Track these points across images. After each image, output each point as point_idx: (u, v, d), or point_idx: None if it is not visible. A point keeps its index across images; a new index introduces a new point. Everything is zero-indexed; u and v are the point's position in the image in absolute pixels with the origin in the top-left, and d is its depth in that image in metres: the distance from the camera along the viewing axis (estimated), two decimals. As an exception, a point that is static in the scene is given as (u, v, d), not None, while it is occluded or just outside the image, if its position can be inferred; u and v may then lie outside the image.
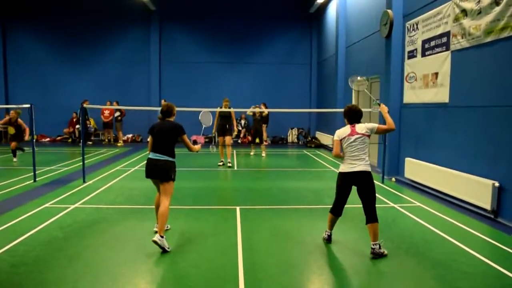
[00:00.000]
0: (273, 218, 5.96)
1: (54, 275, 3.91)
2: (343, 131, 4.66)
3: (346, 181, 4.59)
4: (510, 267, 4.13)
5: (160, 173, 4.74)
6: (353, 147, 4.53)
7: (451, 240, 5.00)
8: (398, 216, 6.18)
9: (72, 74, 18.02)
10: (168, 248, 4.56)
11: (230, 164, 10.71)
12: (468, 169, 6.65)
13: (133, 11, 17.67)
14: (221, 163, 11.00)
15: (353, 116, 4.67)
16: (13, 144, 11.57)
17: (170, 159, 4.78)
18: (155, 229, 5.01)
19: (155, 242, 4.48)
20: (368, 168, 4.53)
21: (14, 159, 11.48)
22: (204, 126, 6.28)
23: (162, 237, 4.53)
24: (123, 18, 17.92)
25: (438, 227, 5.50)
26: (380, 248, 4.43)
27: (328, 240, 4.92)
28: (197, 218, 5.93)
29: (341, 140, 4.63)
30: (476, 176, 6.36)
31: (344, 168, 4.59)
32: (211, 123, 6.41)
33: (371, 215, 4.47)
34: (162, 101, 17.00)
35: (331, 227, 4.90)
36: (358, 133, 4.54)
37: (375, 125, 4.67)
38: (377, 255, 4.41)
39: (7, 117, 12.32)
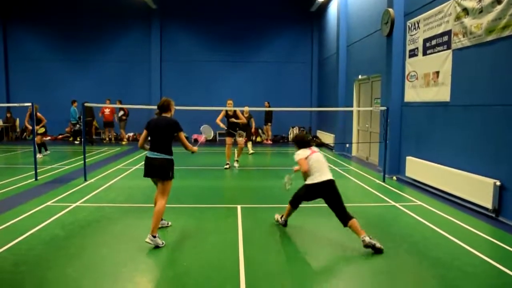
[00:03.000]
0: (274, 217, 5.96)
1: (56, 274, 3.92)
2: (304, 152, 5.07)
3: (317, 190, 4.91)
4: (511, 266, 4.13)
5: (157, 172, 4.70)
6: (320, 162, 4.98)
7: (452, 239, 5.00)
8: (399, 215, 6.18)
9: (73, 73, 18.04)
10: (162, 244, 4.61)
11: (237, 165, 10.59)
12: (469, 167, 6.64)
13: (134, 10, 17.67)
14: (227, 166, 10.42)
15: (302, 142, 5.21)
16: (38, 138, 11.49)
17: (167, 157, 4.71)
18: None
19: (147, 242, 4.54)
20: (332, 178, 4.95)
21: (39, 155, 11.61)
22: (205, 136, 6.24)
23: (154, 236, 4.55)
24: (124, 17, 17.92)
25: (439, 226, 5.50)
26: (370, 238, 4.54)
27: (285, 225, 5.44)
28: (198, 217, 5.94)
29: (306, 158, 4.99)
30: (477, 175, 6.36)
31: (316, 179, 4.88)
32: (211, 136, 6.36)
33: (345, 216, 4.72)
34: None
35: (289, 216, 5.41)
36: (316, 151, 5.09)
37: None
38: (370, 245, 4.49)
39: (28, 111, 12.17)
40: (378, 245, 4.50)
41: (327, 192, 4.86)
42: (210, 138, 6.38)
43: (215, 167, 10.68)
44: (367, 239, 4.51)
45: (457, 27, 7.03)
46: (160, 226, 5.13)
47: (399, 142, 9.38)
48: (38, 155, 11.62)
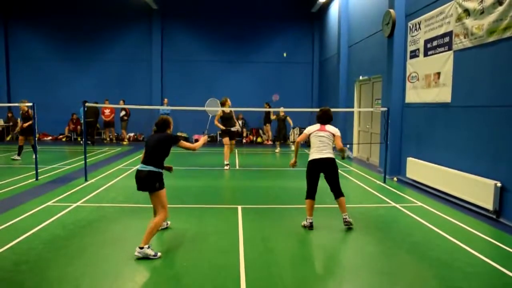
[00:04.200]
0: (275, 217, 5.97)
1: (56, 273, 3.92)
2: (313, 127, 5.55)
3: (315, 166, 5.38)
4: (511, 267, 4.13)
5: (143, 184, 4.56)
6: (322, 140, 5.38)
7: (452, 240, 5.00)
8: (399, 216, 6.18)
9: (74, 73, 18.05)
10: (155, 256, 4.32)
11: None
12: (470, 169, 6.64)
13: (135, 10, 17.68)
14: (227, 167, 10.41)
15: (318, 116, 5.62)
16: (20, 138, 11.18)
17: (154, 169, 4.53)
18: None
19: (137, 257, 4.28)
20: (332, 156, 5.41)
21: (17, 157, 11.18)
22: (210, 115, 6.26)
23: (141, 248, 4.29)
24: (125, 17, 17.93)
25: (440, 227, 5.50)
26: (349, 217, 5.37)
27: (311, 227, 5.37)
28: (198, 217, 5.94)
29: (309, 134, 5.50)
30: (478, 176, 6.35)
31: (314, 156, 5.39)
32: (219, 111, 6.41)
33: (338, 192, 5.43)
34: (164, 100, 17.03)
35: (311, 213, 5.43)
36: (326, 130, 5.44)
37: (338, 133, 5.49)
38: (348, 223, 5.34)
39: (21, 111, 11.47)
40: (350, 220, 5.36)
41: (324, 168, 5.37)
42: (216, 113, 6.45)
43: (215, 167, 10.68)
44: (347, 217, 5.36)
45: (458, 28, 7.03)
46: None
47: (400, 143, 9.38)
48: (16, 157, 11.19)
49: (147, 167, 4.53)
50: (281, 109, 13.20)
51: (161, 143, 4.63)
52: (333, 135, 5.43)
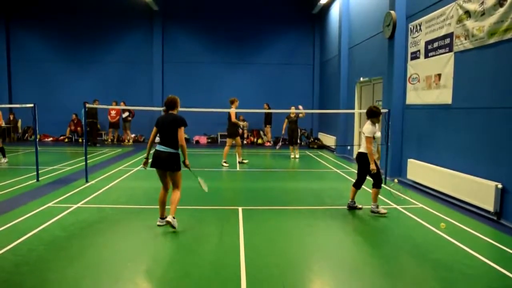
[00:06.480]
0: (275, 219, 5.96)
1: (56, 275, 3.92)
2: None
3: (356, 160, 6.30)
4: (512, 269, 4.12)
5: (164, 164, 5.09)
6: (362, 137, 6.19)
7: (453, 242, 4.99)
8: (400, 217, 6.17)
9: (75, 74, 18.09)
10: (175, 228, 5.13)
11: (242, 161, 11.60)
12: (470, 170, 6.63)
13: (136, 11, 17.73)
14: (242, 161, 11.64)
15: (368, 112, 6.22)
16: None
17: (173, 151, 5.06)
18: (158, 223, 5.39)
19: (168, 222, 5.06)
20: (363, 150, 6.11)
21: (4, 160, 10.78)
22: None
23: (174, 218, 5.11)
24: (125, 18, 17.97)
25: (440, 229, 5.48)
26: (377, 207, 6.15)
27: (348, 207, 6.33)
28: (199, 218, 5.93)
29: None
30: (479, 177, 6.34)
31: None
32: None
33: (374, 183, 6.19)
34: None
35: (352, 196, 6.36)
36: (363, 128, 6.12)
37: (366, 134, 6.02)
38: (374, 213, 6.14)
39: None
40: (374, 210, 6.15)
41: (357, 161, 6.27)
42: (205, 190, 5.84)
43: (216, 168, 10.68)
44: (374, 207, 6.15)
45: (459, 29, 7.03)
46: (159, 224, 5.39)
47: (401, 144, 9.37)
48: (4, 160, 10.80)
49: (167, 149, 5.03)
50: (292, 110, 12.43)
51: (174, 123, 5.06)
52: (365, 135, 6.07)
